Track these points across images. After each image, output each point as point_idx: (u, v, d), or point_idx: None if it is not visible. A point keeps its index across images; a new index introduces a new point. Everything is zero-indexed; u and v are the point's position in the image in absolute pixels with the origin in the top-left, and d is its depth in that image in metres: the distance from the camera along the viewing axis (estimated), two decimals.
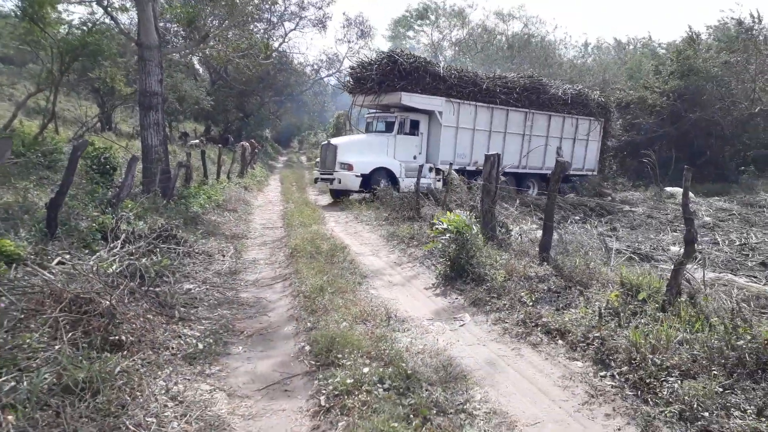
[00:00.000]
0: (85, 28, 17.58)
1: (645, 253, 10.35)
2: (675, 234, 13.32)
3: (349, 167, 14.90)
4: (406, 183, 15.16)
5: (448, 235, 6.73)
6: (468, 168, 16.68)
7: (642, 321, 4.19)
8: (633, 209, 17.90)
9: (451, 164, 14.71)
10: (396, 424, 3.08)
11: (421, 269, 7.45)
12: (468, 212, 9.19)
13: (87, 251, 6.33)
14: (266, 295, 6.53)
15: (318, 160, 17.69)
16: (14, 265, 5.13)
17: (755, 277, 8.50)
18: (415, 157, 16.17)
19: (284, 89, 37.60)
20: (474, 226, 6.99)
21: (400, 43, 35.18)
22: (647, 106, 27.13)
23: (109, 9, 14.60)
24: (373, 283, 6.72)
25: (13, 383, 3.06)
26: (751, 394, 3.23)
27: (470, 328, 5.12)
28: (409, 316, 5.42)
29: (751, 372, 3.40)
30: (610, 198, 20.51)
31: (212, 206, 12.79)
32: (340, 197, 15.82)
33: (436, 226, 7.06)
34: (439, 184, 15.89)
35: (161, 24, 14.87)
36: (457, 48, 35.58)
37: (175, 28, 22.07)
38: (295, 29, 35.62)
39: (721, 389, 3.30)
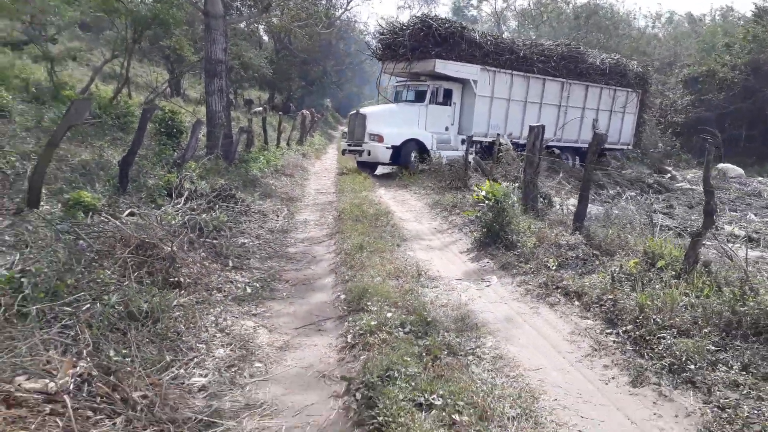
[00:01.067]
0: None
1: (696, 230, 10.23)
2: (733, 213, 12.97)
3: (380, 138, 14.32)
4: (438, 155, 14.70)
5: (486, 203, 7.02)
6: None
7: (657, 286, 4.40)
8: (693, 187, 17.39)
9: (498, 134, 14.49)
10: (409, 359, 3.50)
11: (460, 235, 7.79)
12: (511, 183, 9.41)
13: (153, 205, 7.02)
14: (312, 251, 7.07)
15: (346, 130, 17.00)
16: (91, 213, 5.82)
17: None
18: (447, 129, 15.70)
19: (345, 58, 38.01)
20: (512, 195, 7.24)
21: (463, 13, 34.67)
22: (717, 80, 25.87)
23: None
24: (411, 245, 7.13)
25: (89, 305, 3.67)
26: (740, 352, 3.45)
27: (496, 288, 5.46)
28: (439, 275, 5.81)
29: (745, 334, 3.60)
30: (669, 175, 19.95)
31: (271, 170, 13.48)
32: (367, 170, 15.37)
33: (476, 194, 7.35)
34: (471, 157, 15.68)
35: None
36: (521, 18, 34.74)
37: None
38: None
39: (713, 347, 3.54)
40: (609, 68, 18.27)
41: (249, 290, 5.26)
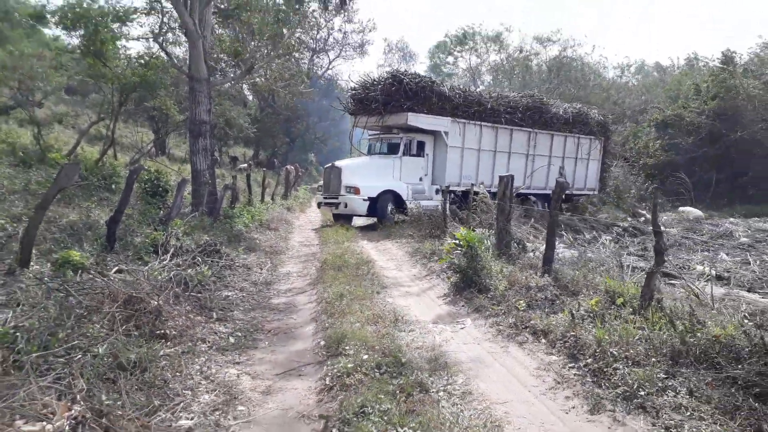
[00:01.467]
0: (142, 61, 19.17)
1: (667, 271, 10.63)
2: (705, 254, 13.41)
3: (356, 190, 14.51)
4: (415, 204, 14.96)
5: (459, 250, 7.37)
6: (475, 189, 16.32)
7: (615, 322, 4.72)
8: (667, 230, 17.92)
9: (473, 184, 14.86)
10: (383, 397, 3.74)
11: (437, 281, 8.09)
12: (487, 230, 9.81)
13: (140, 262, 7.27)
14: (294, 301, 7.33)
15: (320, 183, 17.03)
16: (80, 271, 6.06)
17: None
18: (420, 179, 16.01)
19: (328, 113, 39.08)
20: (486, 241, 7.61)
21: (439, 69, 36.09)
22: (685, 124, 27.04)
23: (163, 44, 16.06)
24: (391, 292, 7.41)
25: (80, 356, 3.89)
26: (686, 378, 3.75)
27: (469, 330, 5.74)
28: (416, 320, 6.08)
29: (693, 362, 3.91)
30: (643, 219, 20.56)
31: (255, 225, 13.81)
32: (342, 222, 15.46)
33: (450, 242, 7.71)
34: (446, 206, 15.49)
35: (213, 54, 16.23)
36: (495, 72, 36.23)
37: (225, 59, 23.61)
38: (338, 56, 37.19)
39: (663, 375, 3.83)
40: (572, 117, 18.98)
41: (232, 340, 5.48)
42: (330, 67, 38.66)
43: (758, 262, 12.09)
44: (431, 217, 12.73)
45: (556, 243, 12.08)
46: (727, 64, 27.04)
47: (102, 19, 15.72)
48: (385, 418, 3.46)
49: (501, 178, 9.00)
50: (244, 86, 30.81)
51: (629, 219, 20.50)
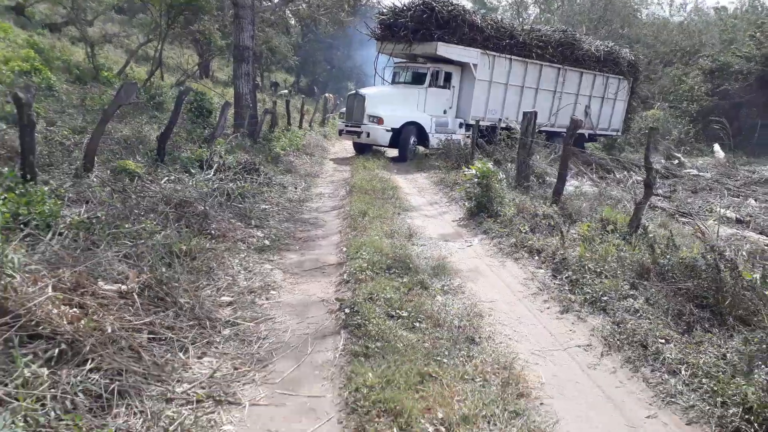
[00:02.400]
0: None
1: (689, 211, 10.99)
2: (735, 199, 13.57)
3: (379, 120, 14.22)
4: (436, 139, 14.99)
5: (475, 180, 7.96)
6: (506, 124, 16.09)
7: (601, 245, 5.33)
8: (701, 173, 17.90)
9: (500, 119, 15.08)
10: (388, 289, 4.51)
11: (455, 207, 8.76)
12: (511, 163, 10.32)
13: (187, 175, 8.12)
14: (324, 217, 8.12)
15: (343, 110, 16.50)
16: (135, 178, 6.93)
17: None
18: (445, 112, 15.69)
19: (369, 42, 38.75)
20: (501, 174, 8.17)
21: (484, 2, 35.12)
22: (732, 72, 26.10)
23: None
24: (411, 214, 8.13)
25: (143, 241, 4.75)
26: (647, 290, 4.39)
27: (475, 248, 6.44)
28: (429, 236, 6.81)
29: (656, 278, 4.53)
30: (677, 161, 20.49)
31: (293, 149, 14.55)
32: (363, 151, 15.39)
33: (466, 173, 8.30)
34: (468, 140, 14.91)
35: None
36: (541, 5, 35.07)
37: None
38: None
39: (628, 287, 4.48)
40: (603, 55, 18.51)
41: (267, 242, 6.32)
42: None
43: None
44: (459, 150, 13.19)
45: (584, 179, 12.56)
46: None
47: None
48: (388, 303, 4.23)
49: (524, 114, 9.40)
50: (288, 12, 30.98)
51: (662, 161, 20.46)
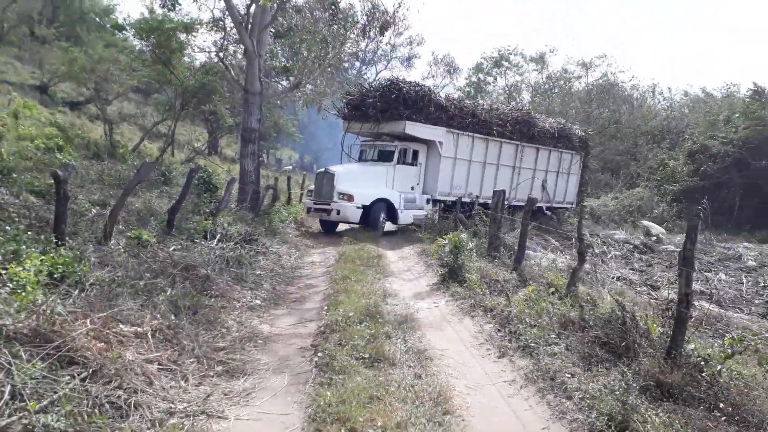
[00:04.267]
0: (203, 70, 21.43)
1: (651, 283, 11.92)
2: (707, 273, 14.43)
3: (349, 198, 14.38)
4: (405, 215, 15.43)
5: (447, 248, 8.99)
6: (464, 200, 16.68)
7: (542, 304, 6.28)
8: (677, 249, 18.82)
9: (476, 195, 15.95)
10: (356, 337, 5.42)
11: (431, 274, 9.73)
12: (482, 236, 11.37)
13: (193, 244, 9.16)
14: (312, 282, 9.09)
15: (311, 188, 16.54)
16: (148, 246, 7.96)
17: (741, 310, 9.92)
18: (412, 188, 16.05)
19: None
20: (470, 243, 9.22)
21: (480, 87, 37.55)
22: (710, 155, 27.68)
23: (223, 58, 18.22)
24: (390, 279, 9.11)
25: (154, 297, 5.72)
26: (567, 338, 5.30)
27: (440, 308, 7.39)
28: (402, 297, 7.77)
29: (576, 329, 5.46)
30: (655, 238, 21.52)
31: (290, 221, 15.68)
32: (331, 230, 15.62)
33: (440, 242, 9.35)
34: (436, 216, 15.76)
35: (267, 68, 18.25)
36: (534, 92, 37.42)
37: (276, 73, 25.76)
38: (386, 68, 39.05)
39: (554, 336, 5.40)
40: (557, 132, 19.65)
41: (259, 302, 7.29)
42: (377, 78, 40.65)
43: (751, 283, 13.09)
44: (442, 224, 14.22)
45: (561, 253, 13.52)
46: (759, 95, 27.60)
47: (171, 27, 17.96)
48: (354, 348, 5.15)
49: (495, 192, 10.57)
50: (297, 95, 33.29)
51: (641, 237, 21.49)
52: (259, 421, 3.97)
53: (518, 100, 37.11)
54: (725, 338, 4.78)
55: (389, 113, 15.20)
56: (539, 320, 5.80)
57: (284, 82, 22.82)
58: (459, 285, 8.20)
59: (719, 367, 4.23)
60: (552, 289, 6.73)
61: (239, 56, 19.87)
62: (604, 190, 32.00)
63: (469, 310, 7.00)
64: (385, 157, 15.85)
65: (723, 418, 3.83)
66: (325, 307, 7.00)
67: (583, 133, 21.70)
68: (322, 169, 15.74)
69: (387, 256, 11.41)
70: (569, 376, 4.56)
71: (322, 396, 4.07)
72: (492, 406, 4.32)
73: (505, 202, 16.25)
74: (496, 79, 37.68)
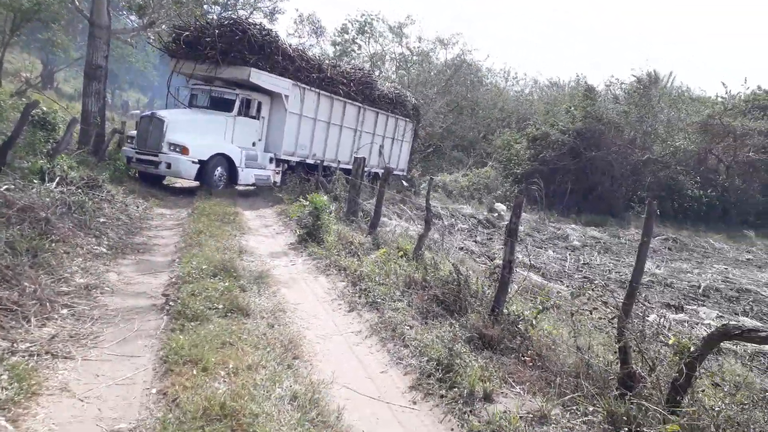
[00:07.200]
0: None
1: (485, 253, 13.16)
2: (539, 249, 16.19)
3: (184, 150, 12.61)
4: (246, 173, 14.20)
5: (308, 210, 9.21)
6: (308, 161, 16.14)
7: (391, 265, 6.79)
8: (518, 228, 20.84)
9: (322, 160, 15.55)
10: (210, 289, 5.47)
11: (289, 233, 9.90)
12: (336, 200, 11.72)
13: (29, 185, 8.38)
14: (162, 234, 8.80)
15: (131, 134, 14.16)
16: None
17: (562, 282, 11.32)
18: (254, 144, 14.65)
19: None
20: (331, 206, 9.52)
21: (346, 51, 37.61)
22: (550, 142, 30.76)
23: None
24: (247, 237, 9.11)
25: None
26: (410, 295, 5.86)
27: (297, 266, 7.63)
28: (259, 254, 7.86)
29: (419, 287, 6.05)
30: (497, 214, 23.70)
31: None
32: (150, 181, 13.47)
33: (302, 203, 9.54)
34: (278, 177, 15.10)
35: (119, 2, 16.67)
36: (397, 63, 38.39)
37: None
38: (248, 18, 37.29)
39: (399, 293, 5.93)
40: (395, 97, 19.64)
41: (104, 249, 6.95)
42: (219, 15, 38.52)
43: (573, 260, 14.92)
44: (303, 185, 14.26)
45: (414, 222, 14.36)
46: (590, 92, 31.13)
47: None
48: (208, 299, 5.20)
49: (355, 158, 10.95)
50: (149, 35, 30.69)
51: (485, 213, 23.48)
52: (109, 362, 3.93)
53: (382, 70, 37.90)
54: (538, 300, 5.61)
55: (231, 56, 13.61)
56: (387, 279, 6.29)
57: (134, 18, 21.09)
58: (317, 245, 8.47)
59: (532, 321, 4.99)
60: (401, 253, 7.29)
61: None
62: (457, 167, 34.12)
63: (324, 269, 7.33)
64: (221, 105, 14.10)
65: (530, 364, 4.57)
66: (177, 260, 6.88)
67: (416, 101, 22.05)
68: (148, 113, 13.82)
69: (244, 215, 11.32)
70: (408, 327, 5.08)
71: (174, 340, 4.13)
72: (338, 352, 4.69)
73: (344, 165, 15.93)
74: (360, 46, 38.01)
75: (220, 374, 3.74)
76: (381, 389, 4.13)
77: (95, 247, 6.96)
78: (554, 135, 31.01)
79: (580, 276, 12.23)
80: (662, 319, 6.50)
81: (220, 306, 5.09)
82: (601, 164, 30.35)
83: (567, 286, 10.97)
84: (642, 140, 30.18)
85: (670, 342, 3.99)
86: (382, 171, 20.46)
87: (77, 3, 15.18)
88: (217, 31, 13.62)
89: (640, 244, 4.18)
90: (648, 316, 7.96)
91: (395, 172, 20.63)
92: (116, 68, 26.24)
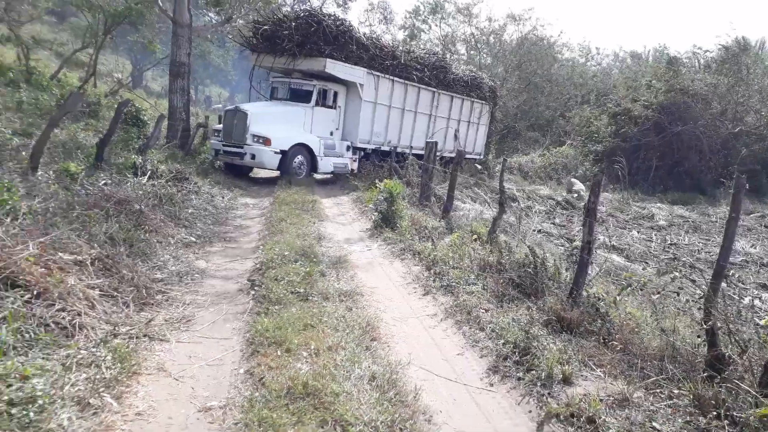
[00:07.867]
0: None
1: (564, 235, 12.86)
2: (622, 230, 15.63)
3: (267, 141, 13.03)
4: (325, 162, 14.51)
5: (383, 195, 9.35)
6: (383, 148, 16.21)
7: (465, 249, 6.81)
8: (600, 208, 20.13)
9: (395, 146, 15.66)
10: (292, 273, 5.73)
11: (365, 220, 10.11)
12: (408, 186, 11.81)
13: (124, 179, 9.04)
14: (246, 222, 9.25)
15: (217, 128, 14.73)
16: (77, 178, 7.83)
17: (647, 264, 10.91)
18: (331, 134, 14.88)
19: None
20: (404, 192, 9.62)
21: (415, 35, 37.40)
22: (632, 117, 29.28)
23: None
24: (325, 223, 9.40)
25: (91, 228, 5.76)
26: (485, 279, 5.87)
27: (373, 251, 7.80)
28: (336, 240, 8.11)
29: (494, 271, 6.03)
30: (576, 195, 22.91)
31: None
32: (238, 173, 14.11)
33: (378, 188, 9.69)
34: (355, 165, 15.34)
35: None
36: (467, 44, 37.68)
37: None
38: (321, 7, 37.92)
39: (473, 277, 5.94)
40: (470, 80, 19.09)
41: (193, 239, 7.41)
42: (293, 7, 39.23)
43: (659, 241, 14.31)
44: (377, 172, 14.44)
45: (489, 206, 14.24)
46: (672, 64, 29.29)
47: None
48: (290, 283, 5.46)
49: (427, 143, 10.97)
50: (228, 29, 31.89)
51: (564, 194, 22.78)
52: (200, 344, 4.25)
53: (453, 51, 37.34)
54: (620, 280, 5.46)
55: (308, 48, 13.75)
56: (461, 263, 6.33)
57: (213, 14, 21.86)
58: (391, 231, 8.61)
59: (614, 301, 4.88)
60: (475, 237, 7.28)
61: None
62: (533, 147, 33.21)
63: (399, 254, 7.45)
64: (300, 96, 14.39)
65: (617, 349, 4.47)
66: (261, 246, 7.23)
67: (493, 83, 21.51)
68: (232, 107, 14.31)
69: (322, 203, 11.65)
70: (483, 311, 5.11)
71: (260, 323, 4.39)
72: (414, 335, 4.81)
73: (416, 151, 15.76)
74: (431, 27, 37.60)
75: (302, 355, 3.94)
76: (457, 371, 4.20)
77: (185, 237, 7.44)
78: (636, 110, 29.52)
79: (666, 257, 11.71)
80: (757, 300, 6.14)
81: (301, 290, 5.33)
82: (688, 139, 28.60)
83: (652, 267, 10.53)
84: (733, 112, 28.06)
85: (762, 322, 3.79)
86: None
87: (160, 3, 15.96)
88: (293, 24, 13.83)
89: (728, 220, 3.99)
90: (743, 298, 7.57)
91: (471, 156, 20.29)
92: (197, 64, 27.39)
